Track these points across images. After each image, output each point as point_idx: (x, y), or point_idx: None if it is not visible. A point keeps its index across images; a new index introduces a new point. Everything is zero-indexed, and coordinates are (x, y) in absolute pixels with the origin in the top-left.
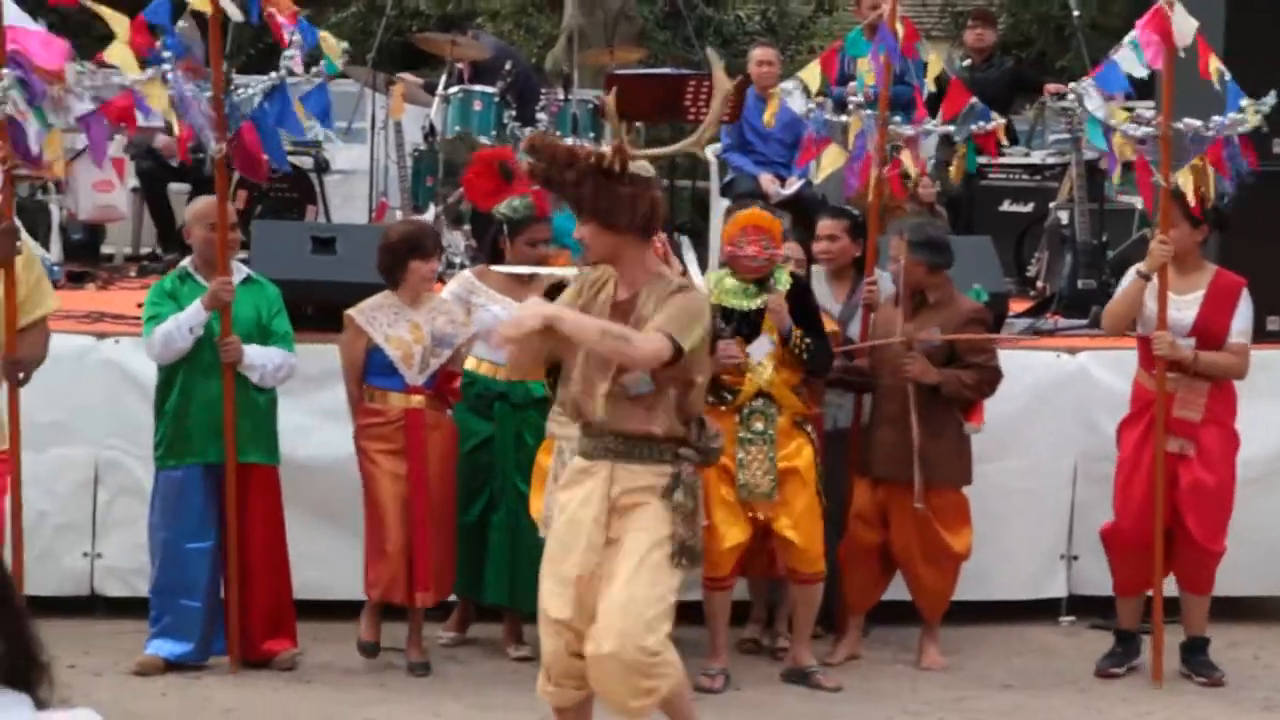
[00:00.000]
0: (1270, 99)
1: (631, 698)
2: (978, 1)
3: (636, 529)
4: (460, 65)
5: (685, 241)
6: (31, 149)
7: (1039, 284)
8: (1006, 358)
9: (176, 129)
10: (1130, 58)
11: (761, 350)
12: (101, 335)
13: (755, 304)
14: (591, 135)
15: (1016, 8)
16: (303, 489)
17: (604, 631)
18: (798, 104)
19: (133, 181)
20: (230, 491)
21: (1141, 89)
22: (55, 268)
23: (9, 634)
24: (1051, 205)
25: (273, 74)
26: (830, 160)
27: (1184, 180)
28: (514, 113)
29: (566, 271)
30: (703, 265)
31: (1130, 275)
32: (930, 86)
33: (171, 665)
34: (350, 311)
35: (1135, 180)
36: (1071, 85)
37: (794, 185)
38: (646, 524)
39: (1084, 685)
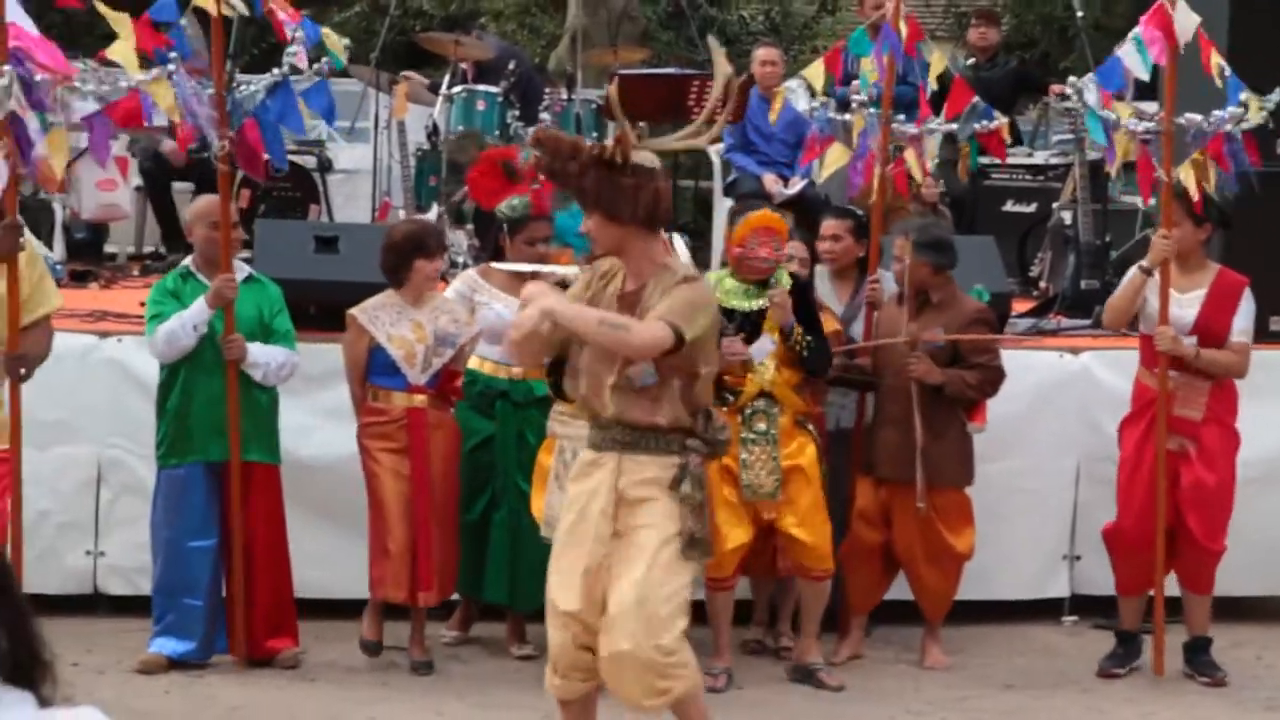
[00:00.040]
0: (1276, 95)
1: (645, 697)
2: (981, 1)
3: (645, 525)
4: (464, 65)
5: (677, 238)
6: (34, 145)
7: (1042, 284)
8: (1009, 358)
9: (179, 128)
10: (1134, 54)
11: (763, 350)
12: (104, 334)
13: (757, 304)
14: (595, 135)
15: (1020, 8)
16: (305, 488)
17: (619, 630)
18: (801, 103)
19: (136, 180)
20: (235, 490)
21: (1145, 89)
22: (58, 266)
23: (12, 632)
24: (1055, 205)
25: (275, 70)
26: (834, 159)
27: (1185, 175)
28: (517, 112)
29: (568, 270)
30: (706, 265)
31: (1132, 271)
32: (933, 85)
33: (174, 663)
34: (353, 311)
35: (1136, 175)
36: (1071, 79)
37: (797, 185)
38: (655, 520)
39: (1087, 685)
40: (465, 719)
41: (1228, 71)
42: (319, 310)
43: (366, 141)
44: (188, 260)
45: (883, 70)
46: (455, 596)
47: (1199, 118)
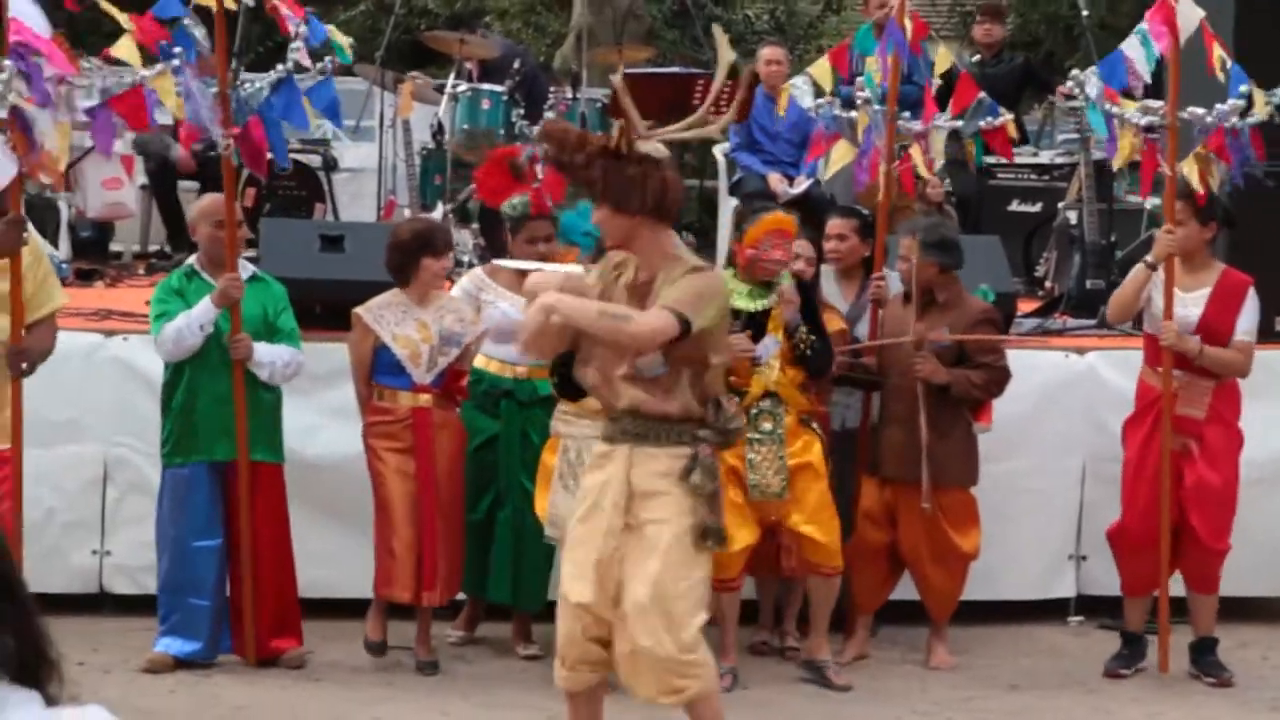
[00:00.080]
0: None
1: (661, 694)
2: None
3: (657, 519)
4: (469, 65)
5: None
6: (37, 140)
7: (1047, 284)
8: (1014, 358)
9: (181, 125)
10: (1138, 48)
11: (768, 350)
12: (110, 333)
13: (761, 305)
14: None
15: (1025, 7)
16: (311, 488)
17: (638, 626)
18: (807, 100)
19: (141, 179)
20: (243, 489)
21: (1154, 89)
22: (64, 265)
23: (19, 631)
24: (1060, 205)
25: (279, 66)
26: (839, 156)
27: (1189, 169)
28: (522, 111)
29: (572, 268)
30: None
31: (1137, 266)
32: (938, 82)
33: (180, 663)
34: (358, 310)
35: (1139, 170)
36: (1073, 72)
37: (802, 184)
38: (666, 514)
39: (1092, 686)
40: (470, 719)
41: (1229, 64)
42: (324, 309)
43: (372, 140)
44: (192, 259)
45: (886, 69)
46: (461, 596)
47: (1202, 111)
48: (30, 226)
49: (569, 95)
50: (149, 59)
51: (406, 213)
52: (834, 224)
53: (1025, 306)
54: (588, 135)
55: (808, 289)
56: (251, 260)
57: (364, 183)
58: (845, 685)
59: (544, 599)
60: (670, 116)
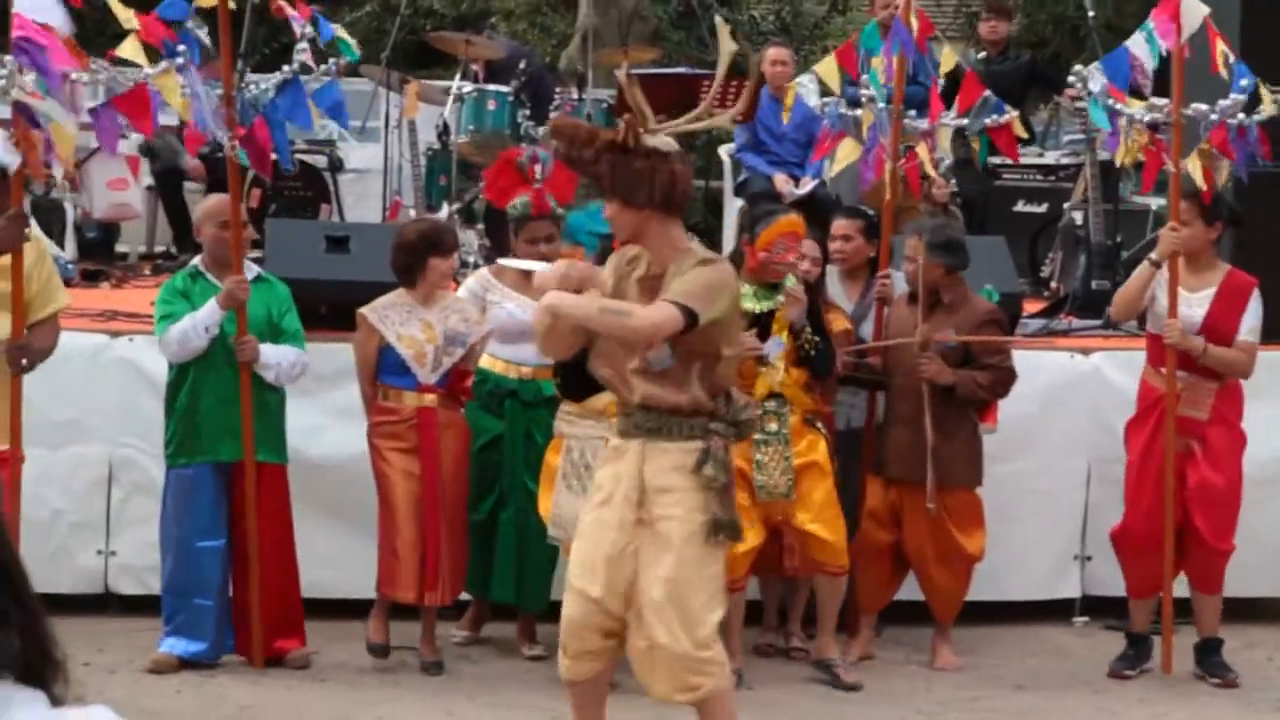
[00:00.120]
0: None
1: (676, 692)
2: None
3: (669, 516)
4: (474, 66)
5: None
6: (46, 130)
7: (1053, 284)
8: (1020, 358)
9: (187, 127)
10: (1143, 45)
11: (773, 351)
12: (116, 334)
13: (767, 306)
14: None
15: (1031, 8)
16: (316, 488)
17: (656, 624)
18: (813, 98)
19: (147, 180)
20: (249, 490)
21: (1161, 89)
22: (69, 266)
23: (24, 631)
24: (1066, 206)
25: (285, 67)
26: (845, 154)
27: (1193, 166)
28: (528, 112)
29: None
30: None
31: (1142, 264)
32: (944, 80)
33: (185, 663)
34: (363, 310)
35: (1143, 166)
36: (1076, 68)
37: (808, 185)
38: (679, 511)
39: (1098, 686)
40: (475, 719)
41: (1232, 59)
42: (330, 310)
43: (377, 141)
44: (196, 259)
45: (891, 68)
46: (466, 597)
47: (1206, 107)
48: (36, 227)
49: (575, 96)
50: (154, 56)
51: (412, 213)
52: (839, 224)
53: (1030, 307)
54: (597, 130)
55: (811, 290)
56: (257, 261)
57: (369, 183)
58: (856, 684)
59: (547, 599)
60: (676, 117)
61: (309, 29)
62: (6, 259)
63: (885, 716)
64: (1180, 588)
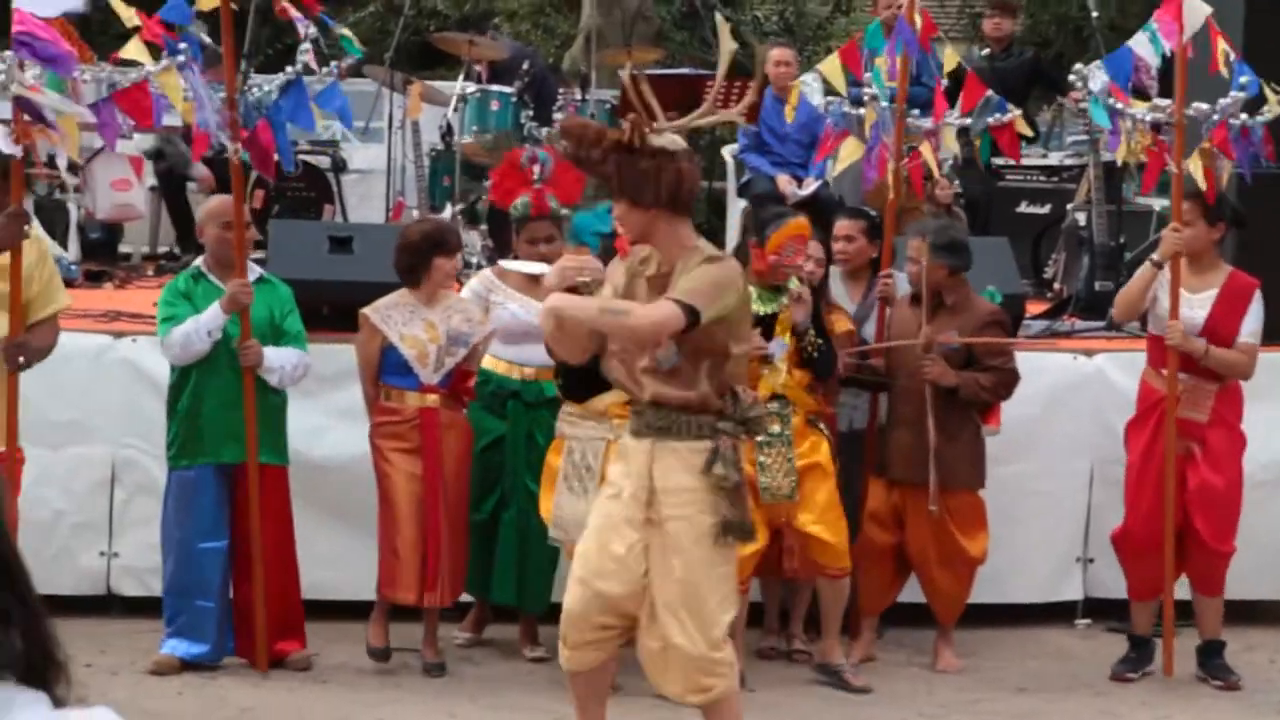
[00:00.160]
0: None
1: (688, 693)
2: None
3: (679, 516)
4: (478, 67)
5: None
6: (48, 118)
7: (1056, 285)
8: (1023, 360)
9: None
10: (1146, 45)
11: (776, 353)
12: (119, 334)
13: (770, 309)
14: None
15: (1035, 8)
16: (318, 489)
17: (671, 624)
18: (816, 97)
19: (150, 180)
20: (253, 493)
21: (1166, 89)
22: (73, 266)
23: (27, 632)
24: (1069, 207)
25: (289, 69)
26: (848, 153)
27: (1194, 165)
28: (531, 113)
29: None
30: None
31: (1144, 265)
32: (946, 80)
33: (187, 665)
34: (365, 310)
35: (1138, 178)
36: (1077, 66)
37: (811, 186)
38: (688, 511)
39: (1100, 689)
40: None
41: (1232, 56)
42: (333, 310)
43: (381, 142)
44: (199, 261)
45: (895, 68)
46: (469, 598)
47: (1207, 107)
48: (39, 227)
49: (578, 97)
50: (157, 55)
51: (415, 214)
52: (841, 225)
53: (1034, 308)
54: (605, 130)
55: (814, 291)
56: (260, 262)
57: (373, 184)
58: (864, 687)
59: (548, 600)
60: (680, 117)
61: (312, 29)
62: (5, 257)
63: (887, 718)
64: (1182, 590)
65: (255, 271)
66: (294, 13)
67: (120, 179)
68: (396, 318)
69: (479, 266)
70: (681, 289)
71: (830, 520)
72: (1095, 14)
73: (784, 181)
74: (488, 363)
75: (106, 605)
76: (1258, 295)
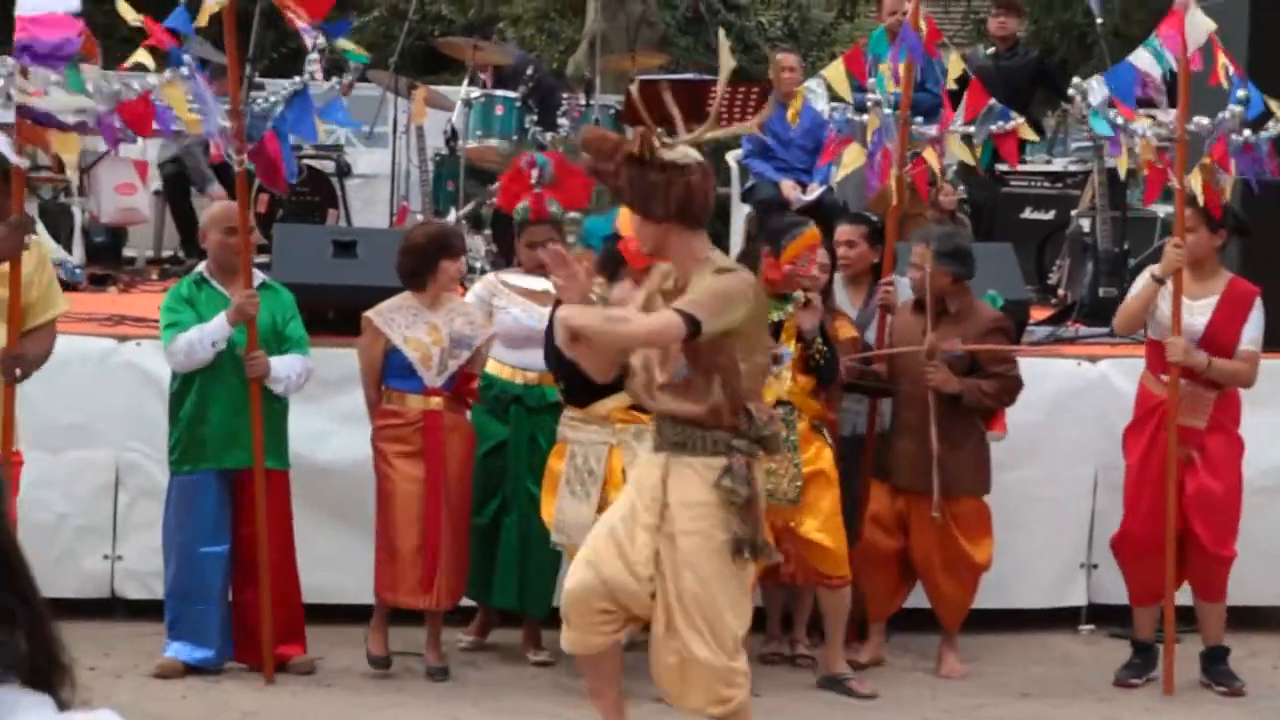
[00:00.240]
0: None
1: (710, 704)
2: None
3: (692, 531)
4: (483, 75)
5: None
6: (60, 120)
7: (1060, 291)
8: (1027, 366)
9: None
10: (1148, 59)
11: (782, 359)
12: (123, 338)
13: (777, 315)
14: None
15: (1039, 14)
16: (321, 493)
17: (690, 640)
18: (820, 103)
19: (155, 184)
20: (259, 499)
21: (1172, 101)
22: (77, 270)
23: (31, 635)
24: (1073, 213)
25: (296, 78)
26: (851, 159)
27: (1194, 181)
28: (535, 117)
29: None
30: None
31: (1144, 277)
32: (952, 86)
33: (191, 668)
34: (368, 313)
35: (1143, 183)
36: (1076, 80)
37: (815, 191)
38: (701, 526)
39: (1103, 694)
40: None
41: (1232, 71)
42: (337, 315)
43: (385, 146)
44: (201, 266)
45: (898, 75)
46: (475, 603)
47: (1208, 122)
48: (43, 230)
49: (582, 102)
50: (161, 58)
51: (419, 218)
52: (843, 230)
53: (1038, 314)
54: (622, 142)
55: (820, 297)
56: (264, 266)
57: (377, 188)
58: (870, 693)
59: (549, 604)
60: (684, 122)
61: (321, 39)
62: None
63: None
64: (1185, 597)
65: (258, 277)
66: (300, 23)
67: (124, 183)
68: (400, 320)
69: (483, 271)
70: (685, 299)
71: (833, 528)
72: (1099, 20)
73: (788, 187)
74: (490, 367)
75: (110, 608)
76: (1258, 303)
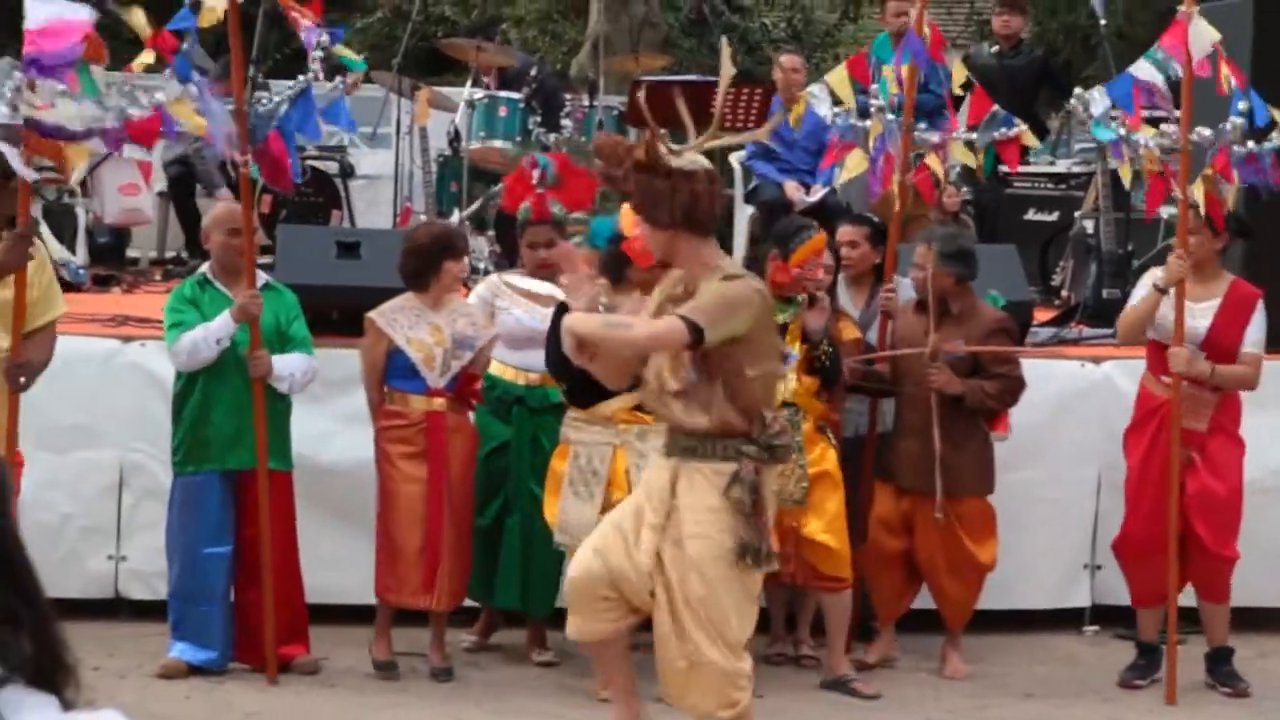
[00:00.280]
0: None
1: (719, 708)
2: None
3: (699, 536)
4: (486, 78)
5: None
6: (70, 129)
7: (1064, 293)
8: (1030, 367)
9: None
10: (1150, 69)
11: (787, 361)
12: (127, 339)
13: (782, 318)
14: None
15: (1043, 16)
16: (324, 493)
17: (700, 643)
18: (823, 108)
19: (159, 185)
20: (263, 500)
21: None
22: (81, 271)
23: (36, 636)
24: (1077, 214)
25: (299, 78)
26: (854, 164)
27: (1197, 191)
28: (539, 119)
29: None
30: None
31: (1146, 286)
32: (957, 91)
33: (195, 669)
34: (371, 314)
35: (1146, 187)
36: (1077, 91)
37: (818, 193)
38: (711, 532)
39: (1107, 695)
40: None
41: (1234, 83)
42: (341, 316)
43: (388, 147)
44: (204, 267)
45: (902, 79)
46: (478, 604)
47: (1209, 132)
48: (47, 232)
49: (585, 103)
50: (162, 62)
51: (423, 219)
52: (845, 231)
53: (1041, 315)
54: (632, 149)
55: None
56: (267, 267)
57: (380, 189)
58: (874, 694)
59: (552, 605)
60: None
61: (325, 37)
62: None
63: None
64: (1190, 598)
65: (261, 278)
66: (303, 25)
67: (128, 184)
68: (403, 321)
69: (486, 272)
70: (689, 305)
71: (837, 530)
72: (1103, 22)
73: (792, 188)
74: (493, 368)
75: (114, 609)
76: (1260, 305)
